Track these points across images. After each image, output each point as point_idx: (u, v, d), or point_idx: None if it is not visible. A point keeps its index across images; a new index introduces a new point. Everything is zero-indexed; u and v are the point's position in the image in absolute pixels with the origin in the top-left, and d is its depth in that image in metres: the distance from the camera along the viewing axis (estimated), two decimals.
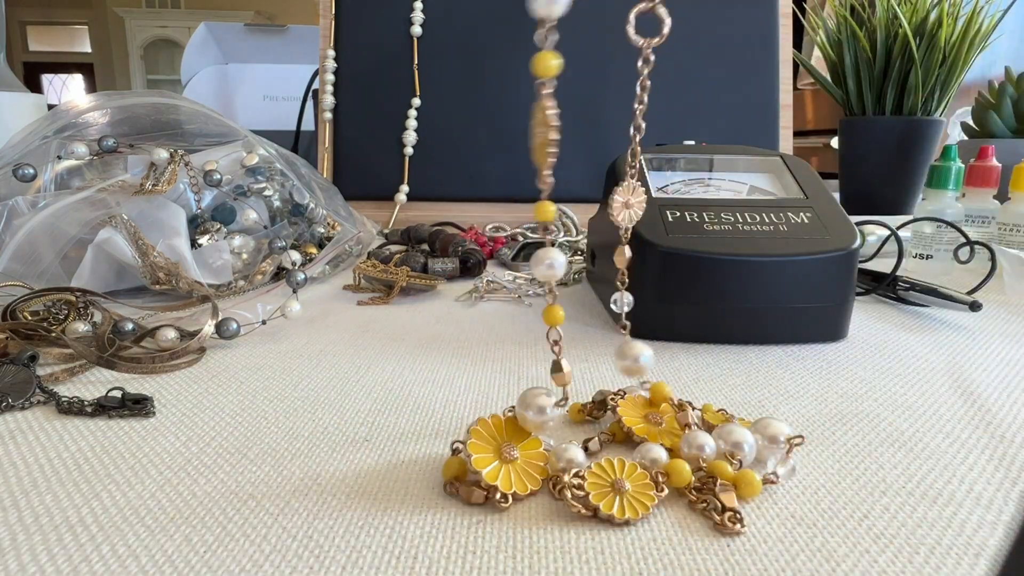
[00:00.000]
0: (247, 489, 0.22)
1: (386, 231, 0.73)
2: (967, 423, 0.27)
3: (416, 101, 0.81)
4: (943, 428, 0.27)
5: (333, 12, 0.83)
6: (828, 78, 0.98)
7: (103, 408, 0.26)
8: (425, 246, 0.65)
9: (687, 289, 0.37)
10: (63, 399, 0.27)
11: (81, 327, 0.36)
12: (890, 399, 0.30)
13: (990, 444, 0.25)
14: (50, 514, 0.20)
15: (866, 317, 0.43)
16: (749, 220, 0.39)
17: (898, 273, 0.46)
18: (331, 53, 0.82)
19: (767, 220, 0.39)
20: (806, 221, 0.39)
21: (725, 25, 0.83)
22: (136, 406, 0.26)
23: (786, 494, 0.22)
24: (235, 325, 0.36)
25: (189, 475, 0.23)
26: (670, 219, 0.39)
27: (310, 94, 1.15)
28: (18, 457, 0.24)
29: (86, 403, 0.27)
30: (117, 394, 0.27)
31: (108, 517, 0.20)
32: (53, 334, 0.34)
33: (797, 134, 1.87)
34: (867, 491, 0.22)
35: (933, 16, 0.86)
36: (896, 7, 0.88)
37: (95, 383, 0.31)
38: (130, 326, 0.36)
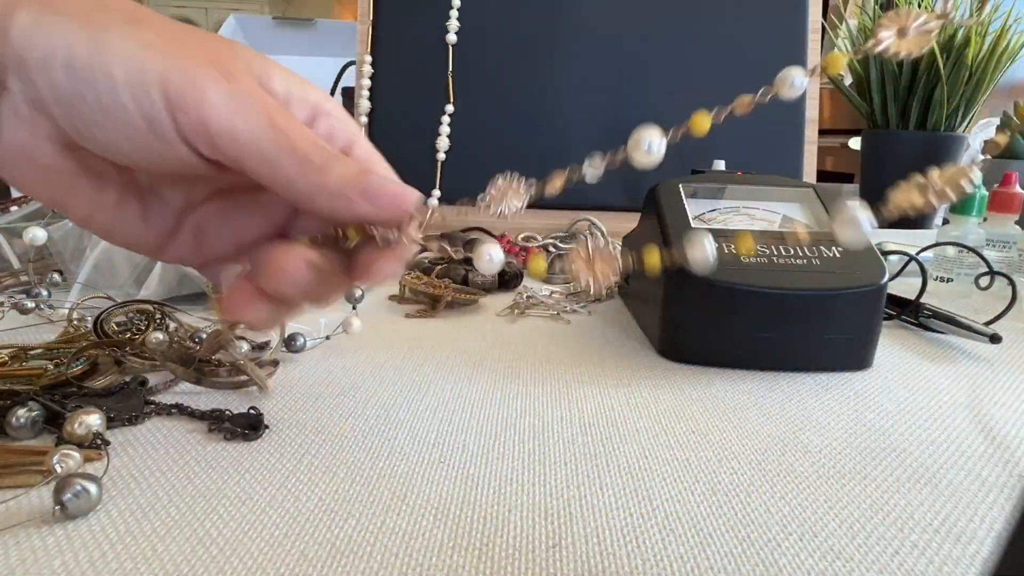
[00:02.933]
0: (345, 507, 0.25)
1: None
2: (987, 460, 0.30)
3: (449, 107, 0.83)
4: (965, 464, 0.29)
5: (372, 17, 0.85)
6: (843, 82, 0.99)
7: (221, 428, 0.30)
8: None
9: (725, 318, 0.39)
10: (170, 411, 0.30)
11: (160, 336, 0.39)
12: (914, 433, 0.32)
13: (1008, 482, 0.28)
14: (179, 527, 0.23)
15: (890, 344, 0.45)
16: (784, 253, 0.41)
17: (921, 300, 0.48)
18: (368, 58, 0.84)
19: (801, 253, 0.41)
20: (837, 256, 0.41)
21: (754, 38, 0.85)
22: (252, 432, 0.29)
23: (824, 528, 0.24)
24: (302, 340, 0.39)
25: (291, 492, 0.25)
26: None
27: (338, 89, 1.17)
28: (135, 471, 0.27)
29: (209, 422, 0.30)
30: (232, 412, 0.30)
31: (231, 531, 0.23)
32: (136, 343, 0.37)
33: None
34: (897, 527, 0.24)
35: (961, 33, 0.88)
36: None
37: (181, 394, 0.34)
38: (204, 337, 0.38)
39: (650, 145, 0.22)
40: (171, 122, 0.19)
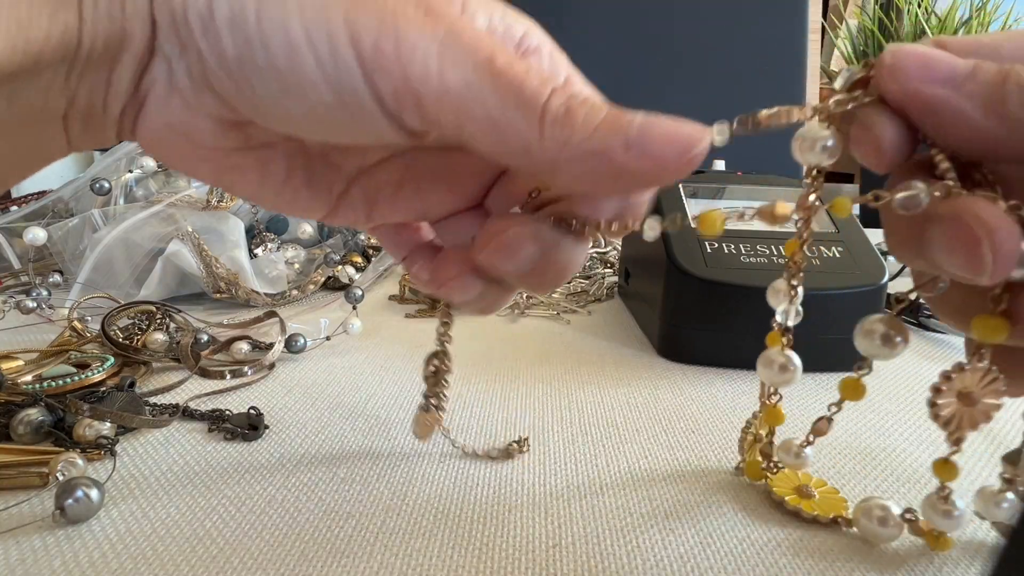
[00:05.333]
0: (344, 508, 0.25)
1: None
2: (987, 460, 0.30)
3: None
4: (964, 464, 0.29)
5: None
6: None
7: (221, 428, 0.30)
8: None
9: (725, 318, 0.39)
10: (170, 412, 0.30)
11: (161, 337, 0.39)
12: (914, 434, 0.32)
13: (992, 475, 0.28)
14: (179, 527, 0.23)
15: None
16: (784, 253, 0.41)
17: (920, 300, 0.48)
18: None
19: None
20: (838, 256, 0.41)
21: (754, 38, 0.85)
22: (253, 432, 0.29)
23: (824, 527, 0.24)
24: (303, 340, 0.39)
25: (292, 492, 0.26)
26: (708, 250, 0.41)
27: None
28: (135, 470, 0.27)
29: (209, 422, 0.30)
30: (232, 412, 0.30)
31: (230, 531, 0.23)
32: (139, 344, 0.37)
33: None
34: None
35: (960, 34, 0.88)
36: (924, 23, 0.89)
37: (177, 394, 0.34)
38: (206, 338, 0.38)
39: None
40: (367, 88, 0.15)
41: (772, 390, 0.25)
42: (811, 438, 0.23)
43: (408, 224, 0.22)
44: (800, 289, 0.21)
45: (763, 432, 0.27)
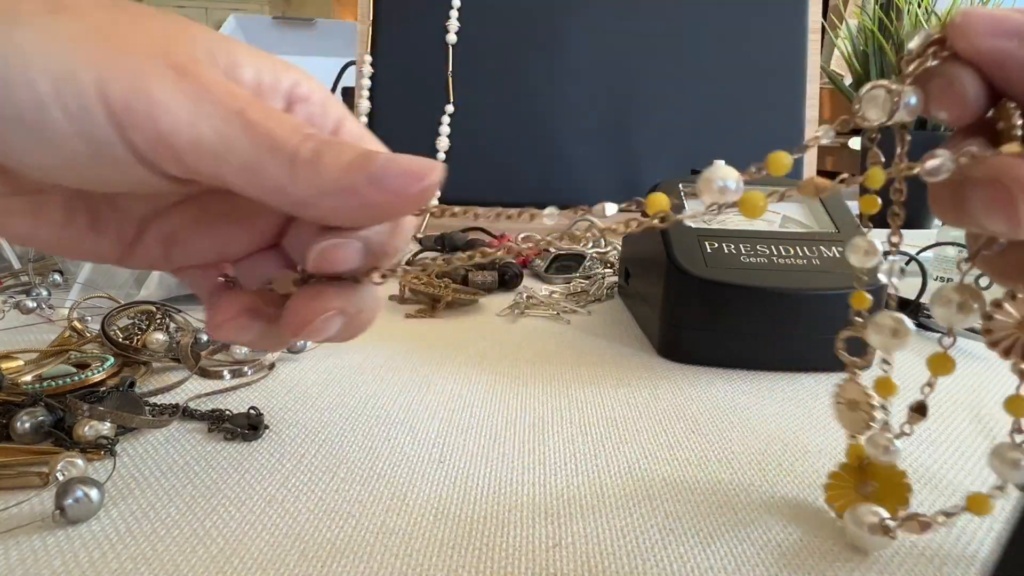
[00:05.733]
0: (344, 508, 0.25)
1: (420, 236, 0.76)
2: (987, 460, 0.30)
3: (449, 107, 0.83)
4: (965, 465, 0.29)
5: (371, 17, 0.85)
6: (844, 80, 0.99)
7: (221, 428, 0.30)
8: (460, 254, 0.68)
9: (725, 318, 0.39)
10: (168, 411, 0.30)
11: (161, 337, 0.39)
12: (914, 433, 0.32)
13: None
14: (179, 527, 0.23)
15: None
16: (784, 253, 0.41)
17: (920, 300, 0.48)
18: (368, 58, 0.84)
19: (801, 253, 0.41)
20: (838, 256, 0.41)
21: (753, 40, 0.85)
22: (253, 432, 0.29)
23: (824, 527, 0.24)
24: (302, 340, 0.39)
25: (291, 492, 0.26)
26: (708, 250, 0.41)
27: (338, 89, 1.17)
28: (135, 471, 0.27)
29: (209, 422, 0.30)
30: (232, 412, 0.30)
31: (230, 531, 0.23)
32: (139, 344, 0.37)
33: None
34: None
35: None
36: (924, 23, 0.89)
37: (177, 394, 0.34)
38: (206, 338, 0.38)
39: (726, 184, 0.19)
40: (121, 142, 0.15)
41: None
42: (908, 428, 0.23)
43: (211, 266, 0.21)
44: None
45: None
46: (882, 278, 0.22)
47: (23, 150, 0.16)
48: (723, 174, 0.19)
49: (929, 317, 0.47)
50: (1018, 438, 0.21)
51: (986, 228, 0.17)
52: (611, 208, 0.19)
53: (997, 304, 0.19)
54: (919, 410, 0.23)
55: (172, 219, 0.20)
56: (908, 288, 0.51)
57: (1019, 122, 0.17)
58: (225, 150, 0.16)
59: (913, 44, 0.18)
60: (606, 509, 0.25)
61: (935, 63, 0.18)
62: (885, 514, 0.23)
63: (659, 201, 0.19)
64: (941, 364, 0.21)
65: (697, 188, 0.19)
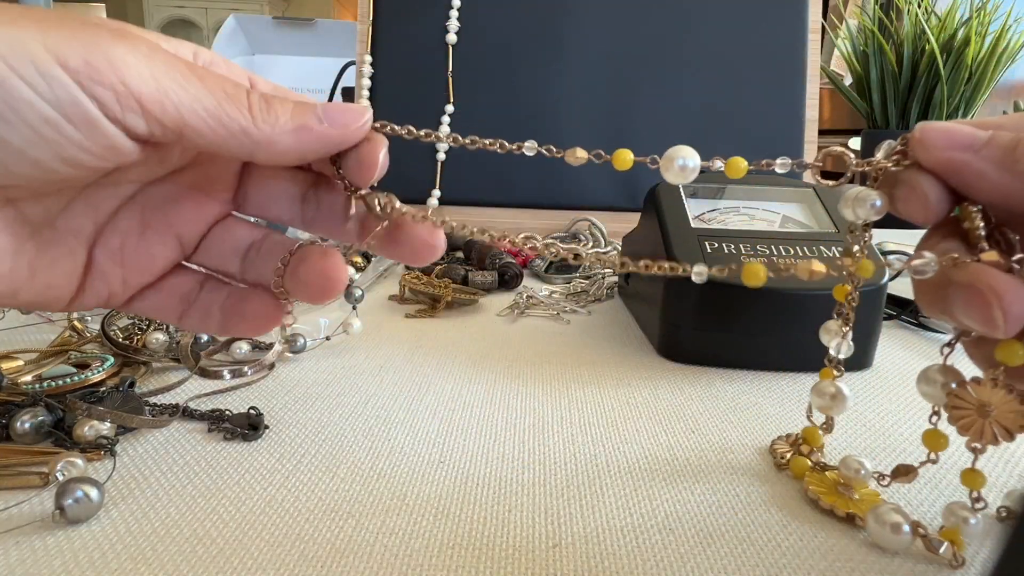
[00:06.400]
0: (344, 507, 0.25)
1: None
2: (987, 460, 0.30)
3: (449, 108, 0.83)
4: (965, 464, 0.29)
5: (371, 17, 0.85)
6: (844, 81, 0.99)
7: (221, 428, 0.30)
8: (459, 254, 0.68)
9: (724, 318, 0.39)
10: (170, 411, 0.30)
11: (161, 337, 0.39)
12: (914, 433, 0.32)
13: (1008, 482, 0.28)
14: (179, 527, 0.23)
15: (889, 344, 0.45)
16: (784, 253, 0.41)
17: None
18: (368, 58, 0.84)
19: (801, 253, 0.41)
20: (837, 255, 0.41)
21: (754, 38, 0.85)
22: (253, 432, 0.29)
23: (824, 527, 0.24)
24: (303, 340, 0.39)
25: (291, 492, 0.25)
26: (708, 250, 0.41)
27: (338, 89, 1.17)
28: (135, 471, 0.27)
29: (209, 422, 0.30)
30: (232, 412, 0.30)
31: (230, 531, 0.23)
32: (139, 344, 0.37)
33: None
34: None
35: (961, 34, 0.88)
36: (924, 23, 0.89)
37: (177, 394, 0.34)
38: (206, 338, 0.38)
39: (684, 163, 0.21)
40: (88, 98, 0.16)
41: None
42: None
43: (167, 280, 0.22)
44: (850, 329, 0.26)
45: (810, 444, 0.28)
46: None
47: None
48: (684, 153, 0.21)
49: (929, 317, 0.47)
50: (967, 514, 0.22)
51: (964, 325, 0.18)
52: (580, 152, 0.22)
53: (962, 384, 0.21)
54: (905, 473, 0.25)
55: (120, 226, 0.20)
56: (909, 289, 0.51)
57: (980, 223, 0.19)
58: (190, 100, 0.17)
59: (879, 155, 0.21)
60: (606, 509, 0.25)
61: (899, 169, 0.20)
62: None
63: (624, 157, 0.22)
64: (934, 440, 0.23)
65: (661, 165, 0.21)
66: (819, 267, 0.20)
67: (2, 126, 0.15)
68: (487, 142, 0.23)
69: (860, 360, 0.40)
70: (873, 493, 0.26)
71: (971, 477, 0.22)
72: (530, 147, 0.23)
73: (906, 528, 0.23)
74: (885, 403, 0.35)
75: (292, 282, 0.21)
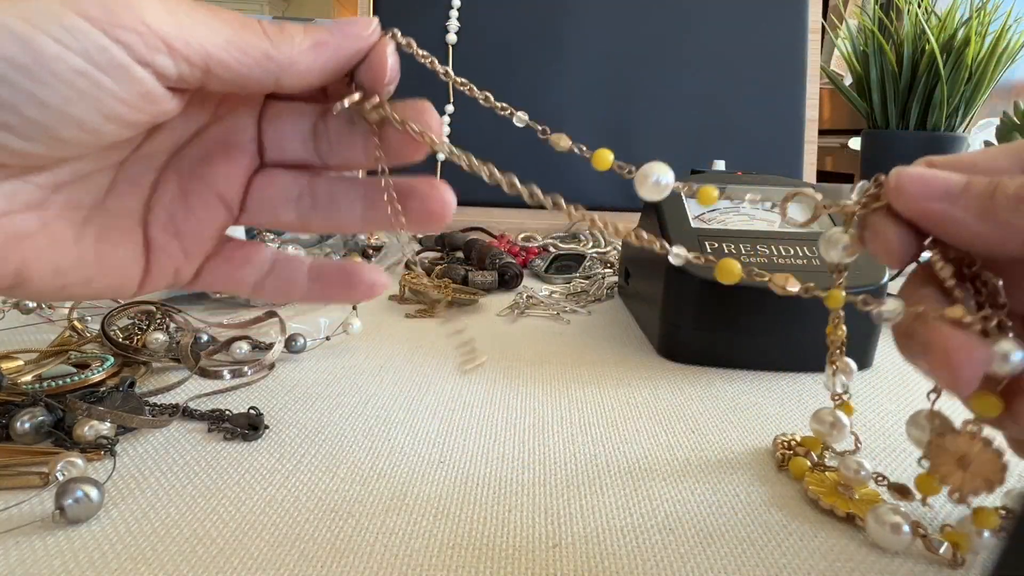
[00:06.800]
0: (344, 507, 0.25)
1: (420, 236, 0.76)
2: None
3: (449, 108, 0.83)
4: None
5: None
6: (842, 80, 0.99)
7: (221, 428, 0.30)
8: (459, 254, 0.68)
9: (724, 318, 0.39)
10: (170, 411, 0.30)
11: (161, 337, 0.39)
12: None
13: (1009, 481, 0.28)
14: (179, 527, 0.23)
15: (889, 343, 0.45)
16: (784, 253, 0.41)
17: None
18: None
19: (801, 254, 0.41)
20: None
21: (754, 38, 0.85)
22: (253, 432, 0.29)
23: (824, 527, 0.24)
24: (302, 340, 0.39)
25: (291, 492, 0.26)
26: (708, 250, 0.41)
27: None
28: (135, 471, 0.27)
29: (209, 422, 0.30)
30: (232, 412, 0.30)
31: (230, 531, 0.23)
32: (139, 344, 0.37)
33: None
34: None
35: (961, 34, 0.87)
36: (924, 23, 0.89)
37: (177, 394, 0.34)
38: (206, 338, 0.38)
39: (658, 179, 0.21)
40: (114, 43, 0.16)
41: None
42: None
43: (228, 256, 0.22)
44: (840, 362, 0.27)
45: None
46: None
47: (27, 102, 0.16)
48: (658, 170, 0.21)
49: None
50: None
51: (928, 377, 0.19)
52: (565, 139, 0.23)
53: (941, 433, 0.20)
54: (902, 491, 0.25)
55: (162, 200, 0.21)
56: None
57: (948, 275, 0.19)
58: (211, 33, 0.17)
59: (853, 197, 0.21)
60: (606, 509, 0.25)
61: (869, 212, 0.20)
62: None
63: (604, 157, 0.22)
64: (926, 485, 0.23)
65: (636, 179, 0.21)
66: (793, 285, 0.20)
67: (39, 88, 0.16)
68: (480, 96, 0.24)
69: (860, 360, 0.40)
70: (873, 493, 0.26)
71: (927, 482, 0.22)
72: (520, 118, 0.25)
73: (906, 528, 0.23)
74: (885, 403, 0.35)
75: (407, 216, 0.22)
